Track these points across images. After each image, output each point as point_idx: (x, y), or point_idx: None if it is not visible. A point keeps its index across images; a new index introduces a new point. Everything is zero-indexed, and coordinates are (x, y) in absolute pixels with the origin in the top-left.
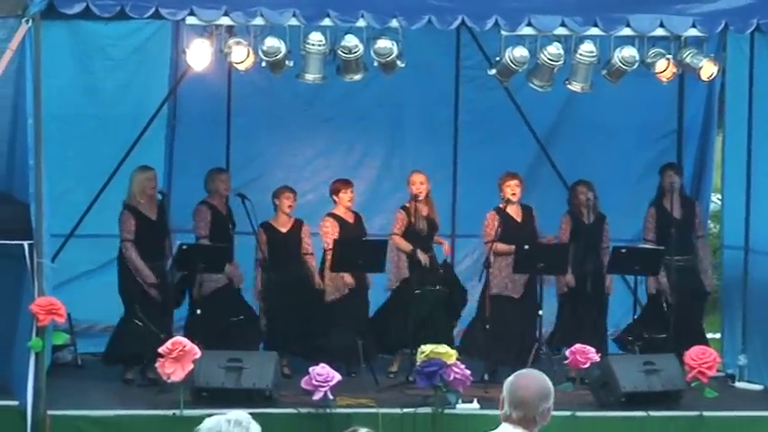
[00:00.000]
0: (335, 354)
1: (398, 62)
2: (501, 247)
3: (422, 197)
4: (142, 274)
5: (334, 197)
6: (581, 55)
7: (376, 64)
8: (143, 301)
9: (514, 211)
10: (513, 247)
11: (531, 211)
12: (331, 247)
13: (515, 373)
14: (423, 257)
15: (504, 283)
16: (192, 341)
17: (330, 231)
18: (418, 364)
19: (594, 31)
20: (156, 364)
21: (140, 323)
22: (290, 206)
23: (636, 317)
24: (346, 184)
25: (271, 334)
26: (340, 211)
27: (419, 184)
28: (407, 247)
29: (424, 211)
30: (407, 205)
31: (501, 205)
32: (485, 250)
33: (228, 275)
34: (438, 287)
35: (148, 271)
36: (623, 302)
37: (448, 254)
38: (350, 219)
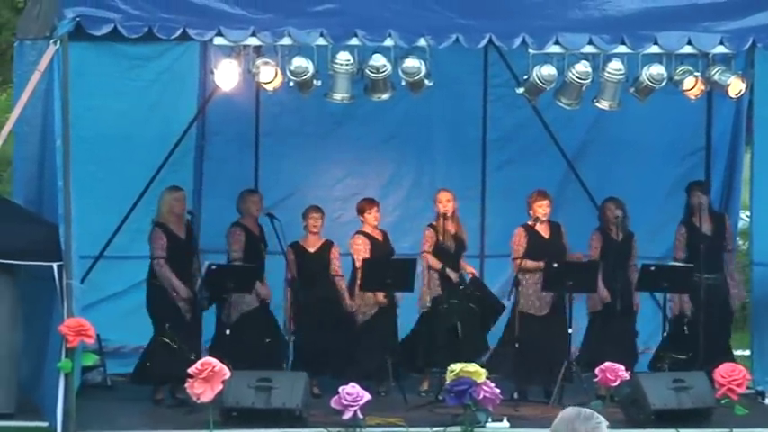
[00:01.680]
0: (365, 372)
1: (426, 81)
2: (529, 263)
3: (449, 215)
4: (178, 289)
5: (360, 217)
6: (609, 73)
7: (404, 83)
8: (173, 320)
9: (543, 228)
10: (541, 263)
11: (560, 228)
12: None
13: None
14: (453, 275)
15: (531, 301)
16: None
17: (362, 249)
18: (448, 382)
19: (622, 48)
20: (186, 385)
21: (172, 343)
22: (315, 225)
23: (663, 343)
24: (371, 203)
25: (299, 353)
26: (368, 229)
27: (446, 202)
28: (438, 264)
29: (452, 229)
30: (435, 223)
31: (530, 223)
32: (513, 267)
33: (259, 295)
34: (465, 302)
35: (183, 286)
36: (652, 320)
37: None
38: (379, 237)
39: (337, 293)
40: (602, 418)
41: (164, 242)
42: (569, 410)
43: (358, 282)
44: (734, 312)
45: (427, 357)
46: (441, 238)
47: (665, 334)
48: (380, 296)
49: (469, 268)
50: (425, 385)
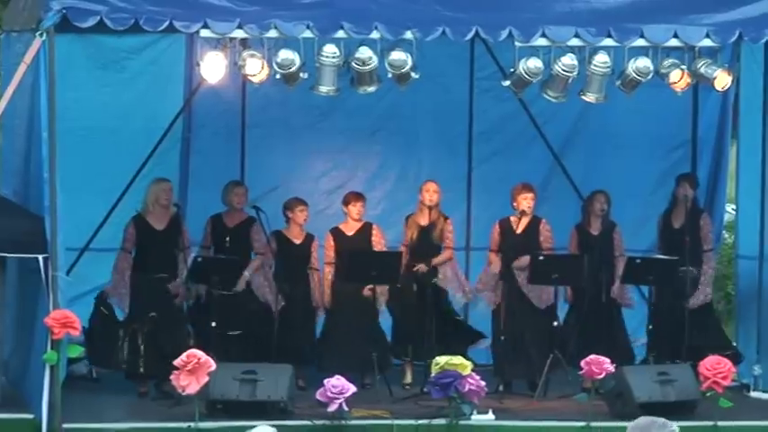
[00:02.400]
0: (349, 365)
1: (412, 74)
2: (493, 258)
3: (432, 206)
4: (112, 281)
5: (345, 208)
6: (595, 66)
7: (390, 76)
8: (154, 312)
9: (519, 223)
10: (495, 266)
11: (538, 224)
12: (325, 261)
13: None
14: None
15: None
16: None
17: (326, 246)
18: (433, 375)
19: (608, 41)
20: (171, 377)
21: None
22: (303, 218)
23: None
24: (356, 197)
25: (282, 344)
26: (345, 223)
27: (432, 192)
28: (405, 258)
29: (426, 219)
30: (411, 215)
31: (514, 216)
32: (489, 260)
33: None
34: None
35: (116, 283)
36: (637, 312)
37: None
38: (350, 231)
39: (311, 286)
40: (675, 426)
41: (130, 234)
42: (643, 419)
43: (327, 276)
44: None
45: (398, 346)
46: (407, 233)
47: (649, 327)
48: (327, 297)
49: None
50: (408, 378)
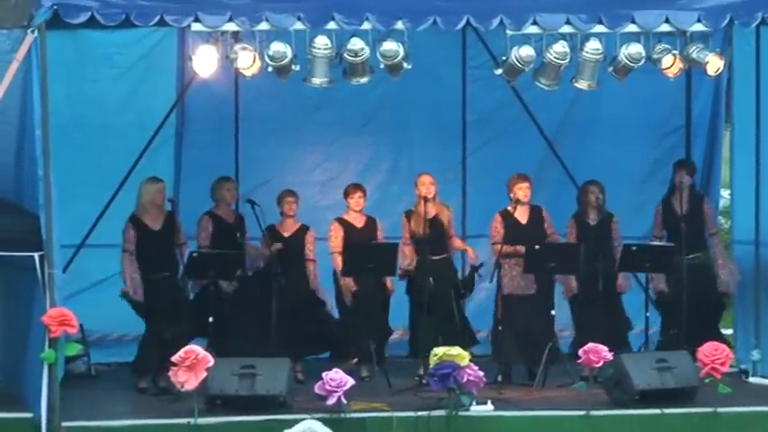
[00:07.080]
0: (348, 356)
1: (405, 64)
2: (506, 248)
3: (429, 198)
4: (127, 283)
5: (345, 200)
6: (587, 52)
7: (382, 66)
8: (156, 309)
9: (521, 213)
10: (518, 247)
11: (540, 212)
12: (335, 251)
13: None
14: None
15: (515, 282)
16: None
17: (333, 236)
18: (432, 366)
19: (600, 28)
20: (170, 373)
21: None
22: (290, 209)
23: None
24: (355, 188)
25: (280, 338)
26: (349, 215)
27: (428, 185)
28: (408, 255)
29: (432, 212)
30: (412, 209)
31: (510, 207)
32: (493, 252)
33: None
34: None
35: (135, 283)
36: (635, 300)
37: (471, 260)
38: (358, 223)
39: (308, 277)
40: None
41: (131, 236)
42: None
43: (337, 268)
44: (721, 295)
45: (417, 343)
46: (412, 226)
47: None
48: (350, 282)
49: (468, 250)
50: (422, 370)
